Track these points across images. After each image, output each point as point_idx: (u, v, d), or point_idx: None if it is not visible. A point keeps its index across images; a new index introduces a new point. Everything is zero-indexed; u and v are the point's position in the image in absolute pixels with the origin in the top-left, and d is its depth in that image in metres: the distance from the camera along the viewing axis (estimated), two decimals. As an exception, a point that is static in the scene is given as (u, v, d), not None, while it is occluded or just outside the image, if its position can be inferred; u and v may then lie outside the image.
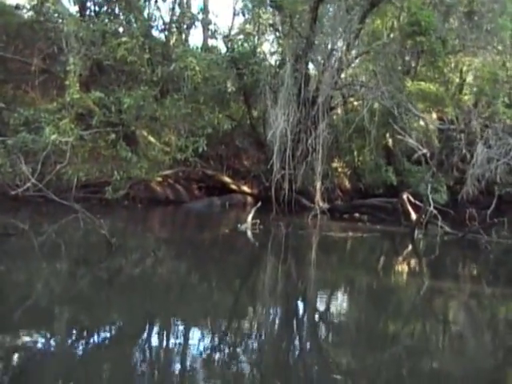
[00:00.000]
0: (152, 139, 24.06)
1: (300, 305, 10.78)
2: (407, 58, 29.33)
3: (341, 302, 11.15)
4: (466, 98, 30.15)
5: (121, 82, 24.19)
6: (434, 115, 29.47)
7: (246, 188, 27.39)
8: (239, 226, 18.05)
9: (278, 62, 27.26)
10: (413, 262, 16.30)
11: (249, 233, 17.64)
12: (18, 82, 25.04)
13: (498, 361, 8.10)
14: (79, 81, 22.31)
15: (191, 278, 12.46)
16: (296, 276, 13.00)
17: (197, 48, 26.77)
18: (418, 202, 21.45)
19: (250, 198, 26.79)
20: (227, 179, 27.08)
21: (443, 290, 12.32)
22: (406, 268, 15.09)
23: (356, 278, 13.22)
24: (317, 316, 9.84)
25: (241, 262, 14.79)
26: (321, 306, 10.56)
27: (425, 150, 19.65)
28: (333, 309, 10.30)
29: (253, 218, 18.12)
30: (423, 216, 19.37)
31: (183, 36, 26.95)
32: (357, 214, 24.50)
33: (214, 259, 14.27)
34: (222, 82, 25.02)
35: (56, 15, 23.80)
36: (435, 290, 12.38)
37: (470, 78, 31.24)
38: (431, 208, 18.84)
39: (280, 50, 27.11)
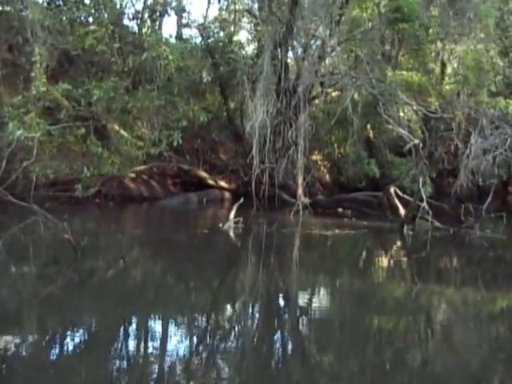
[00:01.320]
0: (124, 133, 22.87)
1: (282, 307, 10.27)
2: (387, 48, 28.47)
3: (323, 304, 10.47)
4: (449, 87, 29.28)
5: (90, 74, 22.99)
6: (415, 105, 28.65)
7: (223, 183, 26.35)
8: (221, 225, 16.82)
9: (255, 51, 26.30)
10: (403, 261, 15.23)
11: (231, 232, 16.48)
12: None
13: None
14: (46, 73, 21.15)
15: (166, 283, 11.52)
16: (281, 280, 12.19)
17: (170, 37, 25.67)
18: (406, 196, 20.55)
19: (227, 194, 25.92)
20: (204, 174, 26.04)
21: (436, 293, 11.46)
22: (396, 269, 14.12)
23: (341, 281, 12.33)
24: (298, 319, 9.39)
25: (221, 264, 13.79)
26: (303, 311, 9.83)
27: (416, 141, 18.60)
28: (314, 312, 9.74)
29: (234, 216, 16.93)
30: (413, 211, 18.33)
31: (156, 24, 25.73)
32: (340, 209, 23.50)
33: (192, 262, 13.14)
34: (197, 73, 24.00)
35: (20, 3, 22.51)
36: (427, 293, 11.47)
37: (452, 67, 30.49)
38: (424, 203, 17.75)
39: (257, 37, 26.07)
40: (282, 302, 10.54)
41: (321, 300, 10.84)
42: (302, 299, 10.75)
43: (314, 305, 10.18)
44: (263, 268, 13.19)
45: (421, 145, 19.13)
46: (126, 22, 25.27)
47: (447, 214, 20.21)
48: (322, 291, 11.64)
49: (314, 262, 14.53)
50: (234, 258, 14.57)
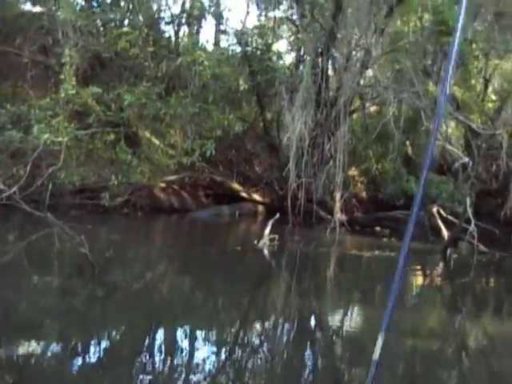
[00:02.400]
0: (156, 141, 21.93)
1: (312, 328, 9.98)
2: (429, 62, 27.38)
3: (355, 327, 10.09)
4: (492, 104, 28.18)
5: (122, 78, 22.12)
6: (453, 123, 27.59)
7: (257, 196, 25.28)
8: (256, 242, 15.71)
9: (294, 60, 25.27)
10: (445, 286, 14.28)
11: (265, 250, 15.40)
12: (9, 75, 23.13)
13: None
14: (76, 75, 20.30)
15: (194, 299, 10.71)
16: (313, 300, 11.55)
17: (207, 42, 24.80)
18: (450, 217, 19.41)
19: (261, 208, 24.88)
20: (237, 186, 24.98)
21: (476, 321, 10.77)
22: (436, 294, 13.41)
23: (376, 304, 11.30)
24: (328, 340, 9.08)
25: (253, 282, 13.00)
26: (333, 332, 9.47)
27: (466, 159, 17.48)
28: (345, 334, 9.38)
29: (269, 232, 15.84)
30: (458, 233, 17.18)
31: (193, 29, 24.87)
32: (378, 228, 22.36)
33: (221, 279, 12.39)
34: (234, 80, 22.90)
35: (53, 2, 21.70)
36: (467, 321, 10.85)
37: (495, 83, 29.36)
38: (472, 225, 16.56)
39: (297, 46, 25.06)
40: (312, 323, 10.16)
41: (353, 322, 10.39)
42: (334, 321, 10.28)
43: (345, 327, 9.76)
44: (296, 288, 12.50)
45: (470, 163, 18.00)
46: (161, 25, 24.43)
47: (493, 237, 19.03)
48: (355, 314, 11.12)
49: (349, 284, 13.74)
50: (267, 277, 13.82)
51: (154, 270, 13.49)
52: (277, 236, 15.83)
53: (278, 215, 17.02)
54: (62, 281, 11.12)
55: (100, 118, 20.82)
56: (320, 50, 22.66)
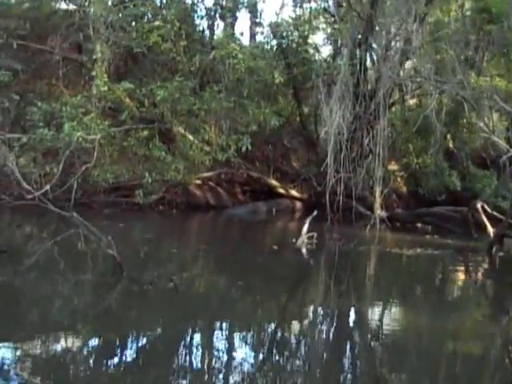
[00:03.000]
0: (190, 137, 21.39)
1: (350, 327, 9.59)
2: (470, 53, 26.56)
3: (395, 328, 9.46)
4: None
5: (155, 73, 21.77)
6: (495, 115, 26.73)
7: (294, 192, 24.69)
8: (294, 240, 15.10)
9: (331, 52, 24.66)
10: (491, 285, 13.57)
11: (303, 249, 14.75)
12: (41, 72, 23.01)
13: None
14: (108, 71, 20.04)
15: (230, 298, 10.42)
16: (353, 300, 11.01)
17: (241, 35, 24.24)
18: (495, 213, 18.68)
19: (299, 204, 24.30)
20: (274, 182, 24.42)
21: None
22: (482, 294, 12.72)
23: (419, 305, 10.89)
24: (367, 339, 8.77)
25: (290, 282, 12.41)
26: (372, 332, 9.10)
27: (513, 152, 16.69)
28: (385, 334, 8.98)
29: (307, 230, 15.20)
30: (504, 229, 16.42)
31: (227, 22, 24.34)
32: (419, 224, 21.68)
33: (258, 279, 11.91)
34: (269, 74, 22.22)
35: (84, -2, 21.40)
36: None
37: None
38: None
39: (334, 37, 24.39)
40: (351, 324, 9.79)
41: (393, 324, 9.73)
42: (373, 322, 9.74)
43: (385, 328, 9.25)
44: (335, 289, 11.98)
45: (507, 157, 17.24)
46: (194, 19, 24.13)
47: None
48: (395, 315, 10.47)
49: (390, 283, 13.13)
50: (305, 277, 13.26)
51: (190, 269, 12.97)
52: (315, 234, 15.20)
53: (315, 212, 16.38)
54: (94, 280, 10.60)
55: (133, 114, 20.53)
56: (358, 40, 22.08)
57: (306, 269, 14.00)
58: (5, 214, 17.18)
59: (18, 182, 14.34)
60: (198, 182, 22.67)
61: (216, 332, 8.64)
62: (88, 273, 10.98)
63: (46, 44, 22.95)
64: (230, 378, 6.72)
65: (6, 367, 6.31)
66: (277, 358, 7.66)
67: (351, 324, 9.75)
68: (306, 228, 15.03)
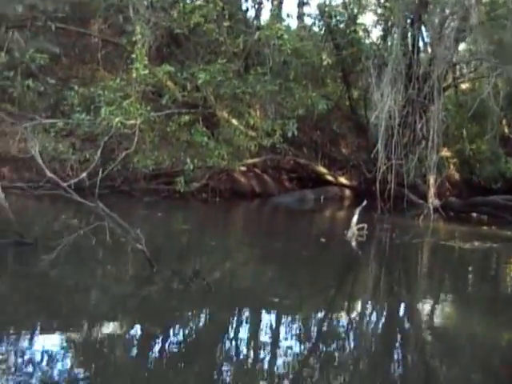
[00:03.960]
0: (234, 122, 20.53)
1: (400, 324, 8.91)
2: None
3: (447, 329, 8.70)
4: None
5: (198, 56, 20.87)
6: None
7: (343, 180, 23.79)
8: (345, 232, 14.06)
9: (382, 32, 23.62)
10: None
11: (353, 241, 13.80)
12: (81, 56, 22.70)
13: None
14: (148, 54, 19.12)
15: (274, 291, 9.59)
16: (403, 299, 10.07)
17: (288, 16, 23.43)
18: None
19: (348, 192, 23.48)
20: (322, 169, 23.53)
21: None
22: None
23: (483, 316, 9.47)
24: (418, 335, 8.18)
25: (342, 281, 11.43)
26: (423, 330, 8.43)
27: None
28: (437, 334, 8.23)
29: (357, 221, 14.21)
30: None
31: (273, 1, 23.49)
32: (474, 214, 20.61)
33: (305, 272, 11.14)
34: (317, 55, 21.32)
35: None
36: None
37: None
38: None
39: (385, 17, 23.28)
40: (401, 317, 9.23)
41: (445, 320, 9.07)
42: (424, 316, 9.12)
43: (436, 324, 8.75)
44: (385, 286, 10.98)
45: None
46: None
47: None
48: (449, 312, 9.60)
49: (445, 280, 12.17)
50: (354, 272, 12.34)
51: (233, 259, 12.29)
52: (365, 225, 14.22)
53: (365, 202, 15.31)
54: (134, 272, 10.12)
55: (175, 98, 19.75)
56: (410, 19, 21.13)
57: (355, 263, 13.00)
58: (44, 202, 16.57)
59: (42, 169, 13.47)
60: (243, 168, 21.92)
61: (261, 320, 8.39)
62: (122, 264, 10.44)
63: (85, 27, 22.54)
64: (276, 368, 6.49)
65: (48, 356, 6.22)
66: (324, 349, 7.37)
67: (401, 318, 9.17)
68: (355, 219, 14.02)
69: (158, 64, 19.84)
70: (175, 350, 6.90)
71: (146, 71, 18.53)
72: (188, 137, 19.92)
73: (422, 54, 21.78)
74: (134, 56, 18.59)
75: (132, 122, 17.97)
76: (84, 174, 15.62)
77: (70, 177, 16.30)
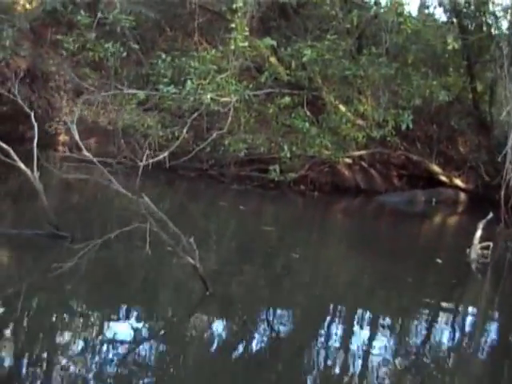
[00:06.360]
0: (342, 108, 18.63)
1: None
2: None
3: None
4: None
5: (307, 31, 19.19)
6: None
7: (459, 182, 21.36)
8: (467, 251, 11.46)
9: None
10: None
11: (473, 265, 11.30)
12: (174, 25, 21.88)
13: None
14: (250, 24, 17.46)
15: None
16: None
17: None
18: None
19: (463, 195, 21.00)
20: (436, 168, 21.17)
21: None
22: None
23: None
24: None
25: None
26: None
27: None
28: None
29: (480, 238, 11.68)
30: None
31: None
32: None
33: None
34: (440, 39, 18.97)
35: None
36: None
37: None
38: None
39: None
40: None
41: None
42: None
43: None
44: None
45: None
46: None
47: None
48: None
49: None
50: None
51: (313, 286, 9.72)
52: (491, 244, 11.67)
53: (491, 214, 12.69)
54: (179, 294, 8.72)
55: (276, 76, 18.15)
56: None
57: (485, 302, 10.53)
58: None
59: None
60: (348, 160, 20.07)
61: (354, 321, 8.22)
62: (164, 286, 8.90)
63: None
64: (365, 366, 6.54)
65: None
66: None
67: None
68: (478, 235, 11.56)
69: (260, 37, 18.26)
70: (261, 345, 6.95)
71: (246, 43, 16.82)
72: (288, 121, 18.33)
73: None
74: (233, 26, 16.85)
75: (226, 99, 16.21)
76: (166, 154, 13.95)
77: (152, 155, 14.87)
